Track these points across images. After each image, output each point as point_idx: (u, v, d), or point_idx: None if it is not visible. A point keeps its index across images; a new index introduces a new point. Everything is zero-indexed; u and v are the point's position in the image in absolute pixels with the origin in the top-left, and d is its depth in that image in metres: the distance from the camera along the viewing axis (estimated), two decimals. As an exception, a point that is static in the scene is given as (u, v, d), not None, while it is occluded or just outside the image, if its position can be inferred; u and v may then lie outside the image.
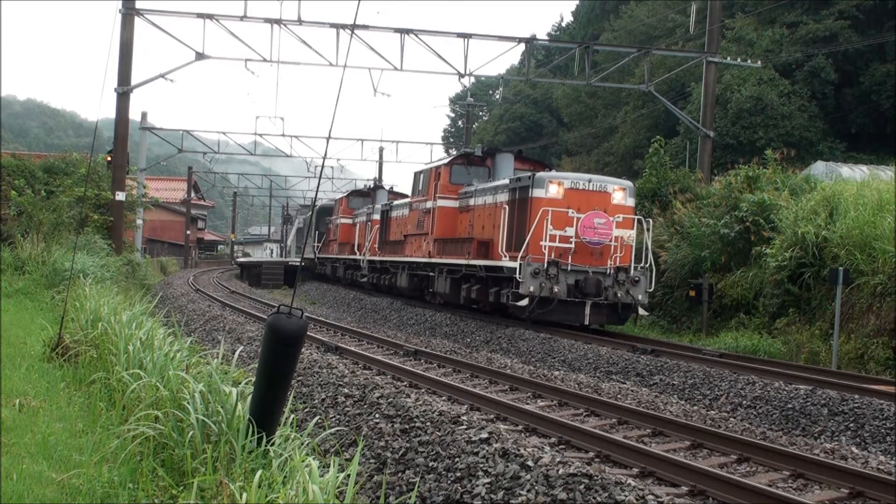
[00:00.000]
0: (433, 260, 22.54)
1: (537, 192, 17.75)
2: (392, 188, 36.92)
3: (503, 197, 19.24)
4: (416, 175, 25.10)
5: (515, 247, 17.86)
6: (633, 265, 17.70)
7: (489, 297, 19.46)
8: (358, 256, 32.45)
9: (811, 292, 17.54)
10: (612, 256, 17.64)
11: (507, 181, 19.50)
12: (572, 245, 17.38)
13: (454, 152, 44.38)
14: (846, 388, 11.48)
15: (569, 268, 17.32)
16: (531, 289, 17.00)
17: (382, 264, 28.68)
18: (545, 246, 17.18)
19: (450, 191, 22.38)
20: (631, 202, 18.33)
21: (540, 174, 18.41)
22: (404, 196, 32.62)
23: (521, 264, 17.09)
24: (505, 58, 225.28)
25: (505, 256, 18.08)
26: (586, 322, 17.71)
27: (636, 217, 18.30)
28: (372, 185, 39.67)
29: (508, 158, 22.19)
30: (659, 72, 37.32)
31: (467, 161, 22.68)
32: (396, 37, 27.00)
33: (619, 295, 17.41)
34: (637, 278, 17.52)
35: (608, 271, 17.49)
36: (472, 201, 21.33)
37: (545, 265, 17.05)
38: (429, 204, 23.23)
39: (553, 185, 17.74)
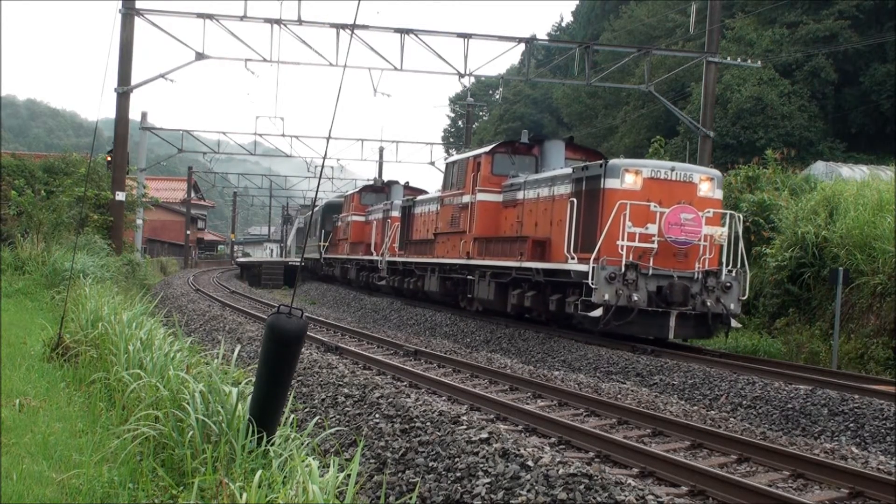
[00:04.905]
0: (473, 262, 20.04)
1: (611, 183, 15.26)
2: (407, 183, 34.62)
3: (563, 189, 16.91)
4: (449, 166, 22.80)
5: (583, 247, 15.51)
6: (723, 268, 15.41)
7: (549, 306, 16.96)
8: (375, 257, 30.09)
9: (811, 292, 17.56)
10: (700, 258, 15.27)
11: (568, 170, 17.07)
12: (655, 245, 14.89)
13: (454, 152, 44.13)
14: (846, 388, 11.48)
15: (650, 272, 14.88)
16: (606, 297, 14.54)
17: (406, 266, 26.21)
18: (622, 246, 14.71)
19: (492, 183, 19.95)
20: (719, 194, 15.90)
21: (614, 161, 15.77)
22: (421, 191, 31.22)
23: (594, 267, 14.60)
24: (505, 58, 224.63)
25: (571, 258, 15.61)
26: (671, 336, 15.33)
27: (727, 212, 15.93)
28: (385, 181, 36.71)
29: (558, 146, 19.92)
30: (659, 72, 37.33)
31: (511, 150, 20.31)
32: (396, 37, 26.99)
33: (708, 303, 14.98)
34: (729, 284, 15.15)
35: (696, 276, 15.09)
36: (519, 195, 18.90)
37: (622, 269, 14.63)
38: (466, 198, 20.80)
39: (630, 175, 15.24)
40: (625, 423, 9.66)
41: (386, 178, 42.94)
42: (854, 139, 37.93)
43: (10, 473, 5.36)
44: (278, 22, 26.53)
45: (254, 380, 5.58)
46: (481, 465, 6.57)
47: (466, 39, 27.19)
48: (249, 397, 5.58)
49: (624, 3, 54.15)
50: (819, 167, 27.65)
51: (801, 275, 17.69)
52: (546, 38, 65.29)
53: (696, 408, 10.91)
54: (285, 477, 4.85)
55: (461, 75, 28.38)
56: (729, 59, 29.48)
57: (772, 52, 36.60)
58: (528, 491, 6.04)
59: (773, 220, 19.65)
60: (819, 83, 36.96)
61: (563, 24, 71.94)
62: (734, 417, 10.67)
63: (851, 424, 10.01)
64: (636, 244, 14.84)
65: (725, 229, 15.40)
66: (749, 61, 29.64)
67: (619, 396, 11.22)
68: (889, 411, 10.01)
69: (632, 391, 11.79)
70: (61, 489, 5.28)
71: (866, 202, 17.64)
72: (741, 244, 15.48)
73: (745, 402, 11.28)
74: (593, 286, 14.64)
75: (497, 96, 78.67)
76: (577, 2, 72.56)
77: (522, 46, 34.06)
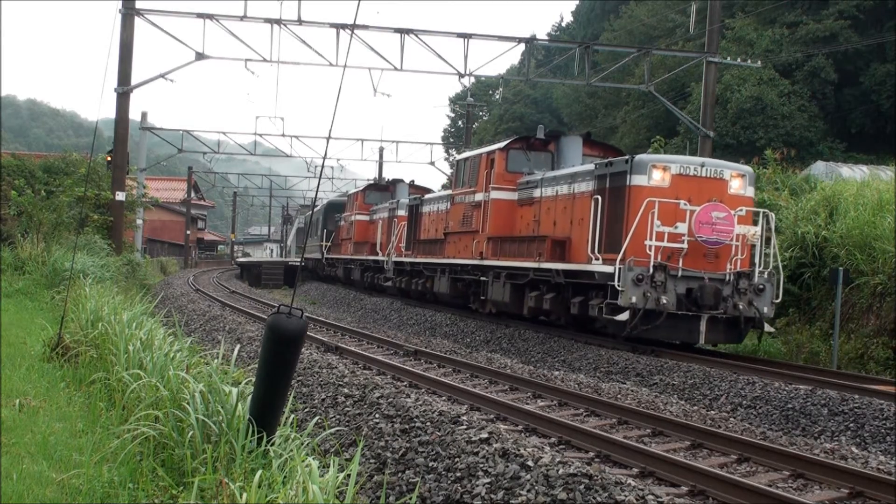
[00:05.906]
0: (487, 262, 19.39)
1: (637, 180, 14.59)
2: (413, 182, 33.97)
3: (585, 186, 16.27)
4: (460, 163, 22.21)
5: (608, 247, 14.92)
6: (756, 269, 14.70)
7: (571, 309, 16.29)
8: (381, 257, 29.35)
9: (811, 292, 17.56)
10: (732, 259, 14.65)
11: (590, 167, 16.40)
12: (684, 245, 14.27)
13: (454, 152, 44.03)
14: (846, 388, 11.49)
15: (679, 273, 14.22)
16: (633, 299, 13.88)
17: (414, 266, 25.47)
18: (650, 246, 14.10)
19: (506, 180, 19.29)
20: (751, 192, 15.24)
21: (641, 156, 15.14)
22: (427, 190, 30.86)
23: (619, 269, 13.99)
24: (505, 58, 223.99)
25: (595, 259, 15.00)
26: (701, 340, 14.58)
27: (761, 210, 15.20)
28: (390, 180, 36.05)
29: (576, 142, 19.42)
30: (659, 72, 37.32)
31: (527, 146, 19.62)
32: (396, 37, 27.00)
33: (740, 307, 14.32)
34: (762, 286, 14.51)
35: (727, 277, 14.44)
36: (536, 193, 18.24)
37: (650, 270, 13.99)
38: (479, 196, 20.14)
39: (657, 171, 14.58)
40: (625, 423, 9.66)
41: (386, 177, 42.71)
42: (854, 139, 37.93)
43: (10, 473, 5.36)
44: (278, 22, 26.54)
45: (254, 380, 5.58)
46: (481, 465, 6.57)
47: (466, 39, 27.20)
48: (249, 397, 5.58)
49: (624, 3, 54.15)
50: (819, 167, 27.65)
51: (801, 275, 17.69)
52: (546, 38, 65.25)
53: (696, 408, 10.91)
54: (285, 477, 4.85)
55: (461, 75, 28.40)
56: (729, 59, 29.49)
57: (772, 52, 36.60)
58: (528, 491, 6.04)
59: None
60: (819, 83, 36.97)
61: (563, 24, 71.91)
62: (734, 417, 10.67)
63: (851, 424, 10.01)
64: (665, 244, 14.25)
65: (758, 228, 14.75)
66: (749, 61, 29.65)
67: (619, 396, 11.22)
68: (889, 411, 10.01)
69: (632, 391, 11.79)
70: (61, 489, 5.29)
71: (866, 202, 17.66)
72: (774, 244, 14.90)
73: (745, 402, 11.28)
74: (619, 288, 14.01)
75: (497, 96, 78.65)
76: (577, 2, 72.61)
77: (522, 46, 34.10)
